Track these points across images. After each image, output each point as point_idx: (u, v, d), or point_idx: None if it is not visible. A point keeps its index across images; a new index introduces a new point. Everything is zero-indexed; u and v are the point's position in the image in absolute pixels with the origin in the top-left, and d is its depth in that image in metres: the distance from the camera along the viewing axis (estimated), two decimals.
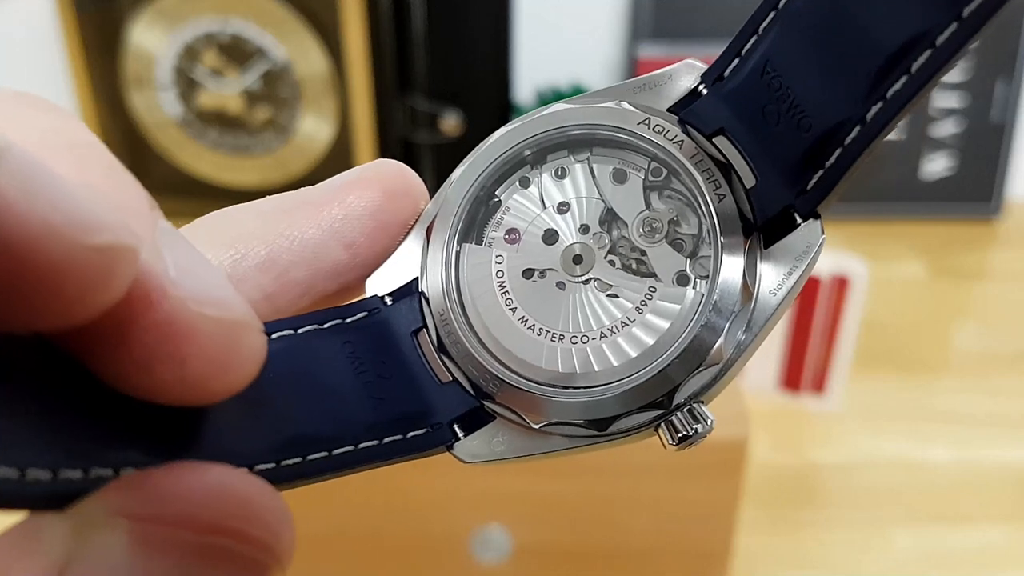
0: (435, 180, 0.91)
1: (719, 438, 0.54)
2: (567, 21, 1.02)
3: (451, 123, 0.90)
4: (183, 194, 0.97)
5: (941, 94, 1.03)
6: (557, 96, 0.98)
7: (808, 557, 0.67)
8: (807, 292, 0.76)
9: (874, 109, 0.20)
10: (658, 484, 0.56)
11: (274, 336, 0.21)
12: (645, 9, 1.00)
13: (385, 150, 0.93)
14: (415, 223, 0.23)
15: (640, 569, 0.59)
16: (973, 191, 1.06)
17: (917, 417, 0.79)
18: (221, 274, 0.18)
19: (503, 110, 0.93)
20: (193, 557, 0.15)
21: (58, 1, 0.87)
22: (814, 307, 0.76)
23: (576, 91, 0.98)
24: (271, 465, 0.20)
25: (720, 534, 0.57)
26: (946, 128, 1.04)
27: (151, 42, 0.90)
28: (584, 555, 0.59)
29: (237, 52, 0.90)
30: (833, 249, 0.77)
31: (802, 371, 0.78)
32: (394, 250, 0.23)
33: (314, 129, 0.92)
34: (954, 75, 1.02)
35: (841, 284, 0.75)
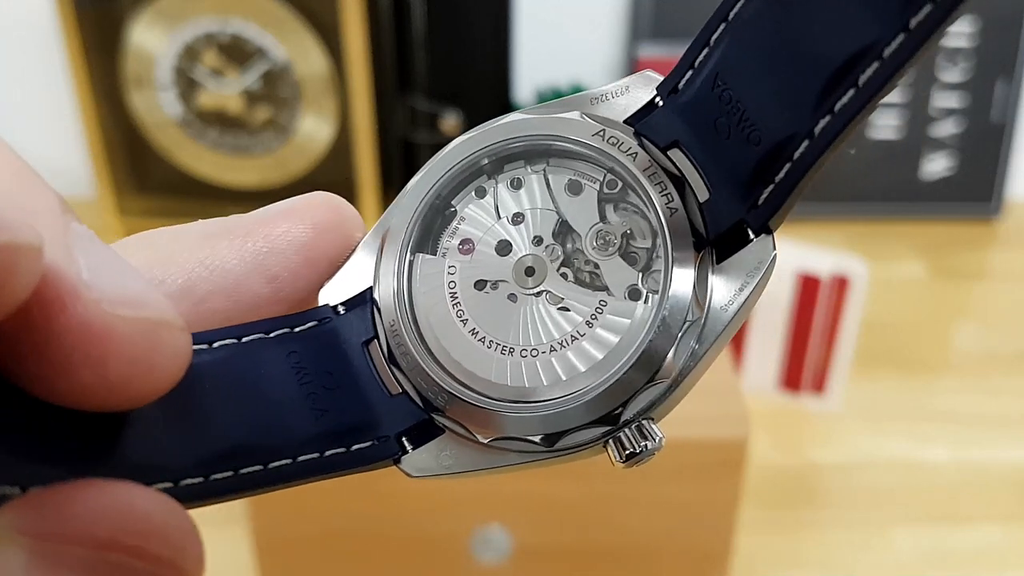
0: None
1: (719, 438, 0.54)
2: (567, 21, 1.02)
3: (451, 123, 0.90)
4: (183, 194, 0.97)
5: (941, 94, 1.03)
6: (557, 96, 0.98)
7: (808, 557, 0.67)
8: (807, 292, 0.76)
9: (822, 123, 0.19)
10: (658, 484, 0.56)
11: (215, 344, 0.20)
12: (645, 9, 1.00)
13: (385, 150, 0.93)
14: (369, 232, 0.23)
15: (640, 569, 0.59)
16: (973, 191, 1.06)
17: (917, 417, 0.79)
18: (138, 274, 0.17)
19: (503, 110, 0.92)
20: (91, 573, 0.16)
21: (58, 0, 0.87)
22: (814, 307, 0.76)
23: (576, 91, 0.98)
24: (198, 479, 0.19)
25: (720, 534, 0.57)
26: (946, 128, 1.04)
27: (151, 42, 0.90)
28: (584, 555, 0.59)
29: (237, 52, 0.90)
30: (833, 249, 0.77)
31: (802, 371, 0.78)
32: (321, 286, 0.22)
33: (314, 129, 0.92)
34: (954, 75, 1.02)
35: (841, 284, 0.75)
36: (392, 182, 0.97)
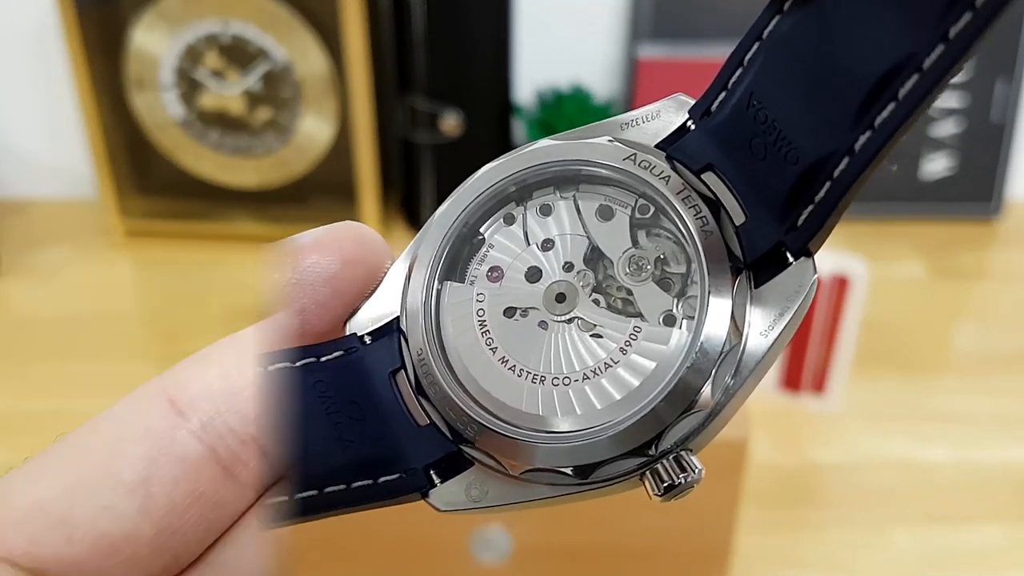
0: (435, 180, 0.91)
1: (719, 438, 0.54)
2: (567, 21, 1.02)
3: (451, 123, 0.90)
4: (185, 195, 0.97)
5: (941, 94, 1.03)
6: (557, 96, 0.98)
7: (808, 557, 0.67)
8: None
9: (862, 139, 0.19)
10: None
11: None
12: (645, 9, 1.00)
13: (385, 150, 0.93)
14: (397, 260, 0.23)
15: (640, 569, 0.59)
16: (973, 191, 1.06)
17: (917, 417, 0.79)
18: None
19: (503, 110, 0.93)
20: None
21: (60, 1, 0.87)
22: (814, 307, 0.76)
23: (576, 91, 0.98)
24: None
25: (720, 534, 0.57)
26: (946, 128, 1.04)
27: (153, 43, 0.90)
28: (584, 555, 0.59)
29: (238, 53, 0.90)
30: (833, 249, 0.77)
31: (802, 371, 0.78)
32: (348, 316, 0.22)
33: (315, 129, 0.92)
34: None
35: (841, 284, 0.75)
36: (392, 182, 0.97)
